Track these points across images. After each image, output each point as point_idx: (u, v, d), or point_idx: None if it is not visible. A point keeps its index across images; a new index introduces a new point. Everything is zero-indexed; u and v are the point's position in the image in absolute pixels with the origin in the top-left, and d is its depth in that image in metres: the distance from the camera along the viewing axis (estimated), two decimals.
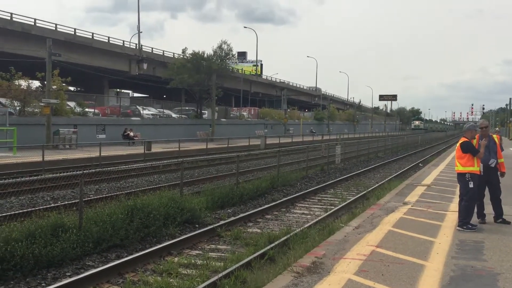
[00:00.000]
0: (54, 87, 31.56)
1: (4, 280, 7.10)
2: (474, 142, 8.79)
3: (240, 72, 69.81)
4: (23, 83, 32.18)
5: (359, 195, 15.35)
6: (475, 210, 8.92)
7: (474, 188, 8.54)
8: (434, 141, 66.93)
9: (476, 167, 8.57)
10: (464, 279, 5.87)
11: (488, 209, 9.18)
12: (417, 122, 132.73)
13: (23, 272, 7.36)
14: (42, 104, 30.07)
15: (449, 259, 6.69)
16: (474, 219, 8.85)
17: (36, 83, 36.14)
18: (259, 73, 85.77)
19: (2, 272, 7.12)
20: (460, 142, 8.75)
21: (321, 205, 14.13)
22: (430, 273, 6.09)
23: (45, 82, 30.41)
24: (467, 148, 8.55)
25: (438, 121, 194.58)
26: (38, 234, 7.94)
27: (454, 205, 10.45)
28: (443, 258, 6.76)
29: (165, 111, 49.00)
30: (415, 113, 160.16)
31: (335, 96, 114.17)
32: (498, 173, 9.20)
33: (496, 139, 9.33)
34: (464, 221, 8.55)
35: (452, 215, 9.70)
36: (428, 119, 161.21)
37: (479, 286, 5.62)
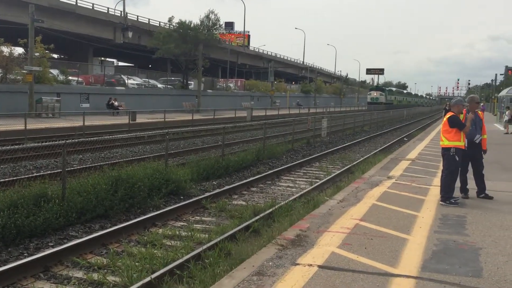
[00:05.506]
0: (36, 54, 30.90)
1: None
2: (461, 116, 8.81)
3: (227, 43, 69.03)
4: (5, 49, 31.40)
5: (344, 168, 15.42)
6: (459, 185, 9.01)
7: (457, 163, 8.59)
8: (418, 115, 67.45)
9: (461, 142, 8.60)
10: (446, 253, 5.93)
11: (471, 184, 9.27)
12: (375, 93, 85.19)
13: (5, 242, 7.29)
14: (24, 71, 29.47)
15: (432, 233, 6.75)
16: (457, 194, 8.94)
17: (18, 50, 35.32)
18: (247, 44, 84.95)
19: None
20: (447, 116, 8.75)
21: (306, 178, 14.18)
22: (413, 246, 6.15)
23: (28, 49, 29.73)
24: (454, 123, 8.56)
25: (423, 95, 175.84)
26: (21, 204, 7.84)
27: (438, 180, 10.51)
28: (426, 232, 6.82)
29: (150, 81, 48.46)
30: (401, 87, 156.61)
31: (322, 69, 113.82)
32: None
33: (480, 115, 9.37)
34: (446, 196, 8.62)
35: (435, 190, 9.78)
36: (395, 89, 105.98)
37: (461, 260, 5.68)
